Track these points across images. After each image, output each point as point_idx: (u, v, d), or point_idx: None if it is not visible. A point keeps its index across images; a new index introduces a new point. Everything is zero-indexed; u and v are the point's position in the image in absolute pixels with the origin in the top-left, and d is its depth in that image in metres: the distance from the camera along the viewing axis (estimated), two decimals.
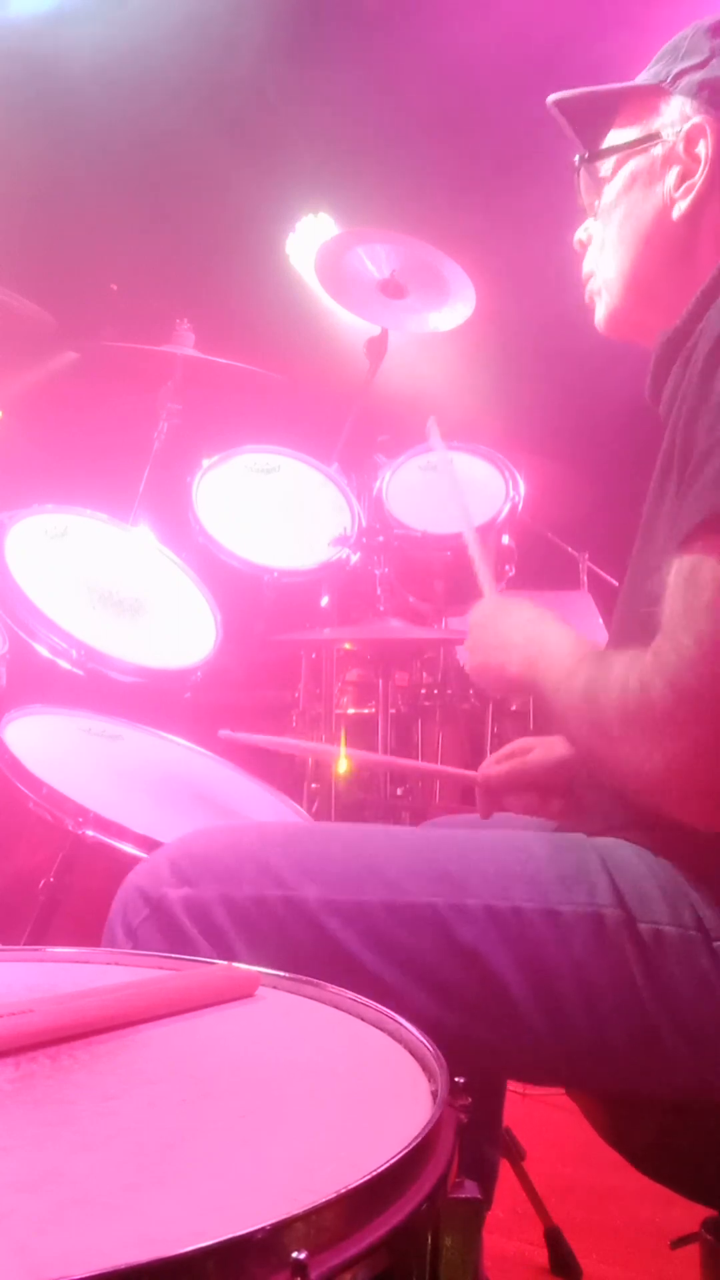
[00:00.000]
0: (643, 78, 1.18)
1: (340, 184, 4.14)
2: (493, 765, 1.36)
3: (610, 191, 1.19)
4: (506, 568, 2.88)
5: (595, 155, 1.20)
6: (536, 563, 3.27)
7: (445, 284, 3.01)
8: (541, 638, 1.11)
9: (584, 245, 1.26)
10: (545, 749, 1.34)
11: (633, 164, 1.17)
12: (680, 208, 1.12)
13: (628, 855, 1.00)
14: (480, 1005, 0.95)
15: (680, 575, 0.91)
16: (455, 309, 3.01)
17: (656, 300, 1.16)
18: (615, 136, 1.20)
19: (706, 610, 0.88)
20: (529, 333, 3.77)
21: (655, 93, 1.16)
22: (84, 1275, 0.41)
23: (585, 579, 3.66)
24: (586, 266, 1.25)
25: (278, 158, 4.00)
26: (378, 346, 3.12)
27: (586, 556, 3.69)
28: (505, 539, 2.85)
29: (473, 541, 1.50)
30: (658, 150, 1.14)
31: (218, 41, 3.78)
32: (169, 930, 0.98)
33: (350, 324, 3.37)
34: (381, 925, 0.96)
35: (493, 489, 2.86)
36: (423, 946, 0.96)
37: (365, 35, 3.87)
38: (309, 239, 4.17)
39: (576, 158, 1.22)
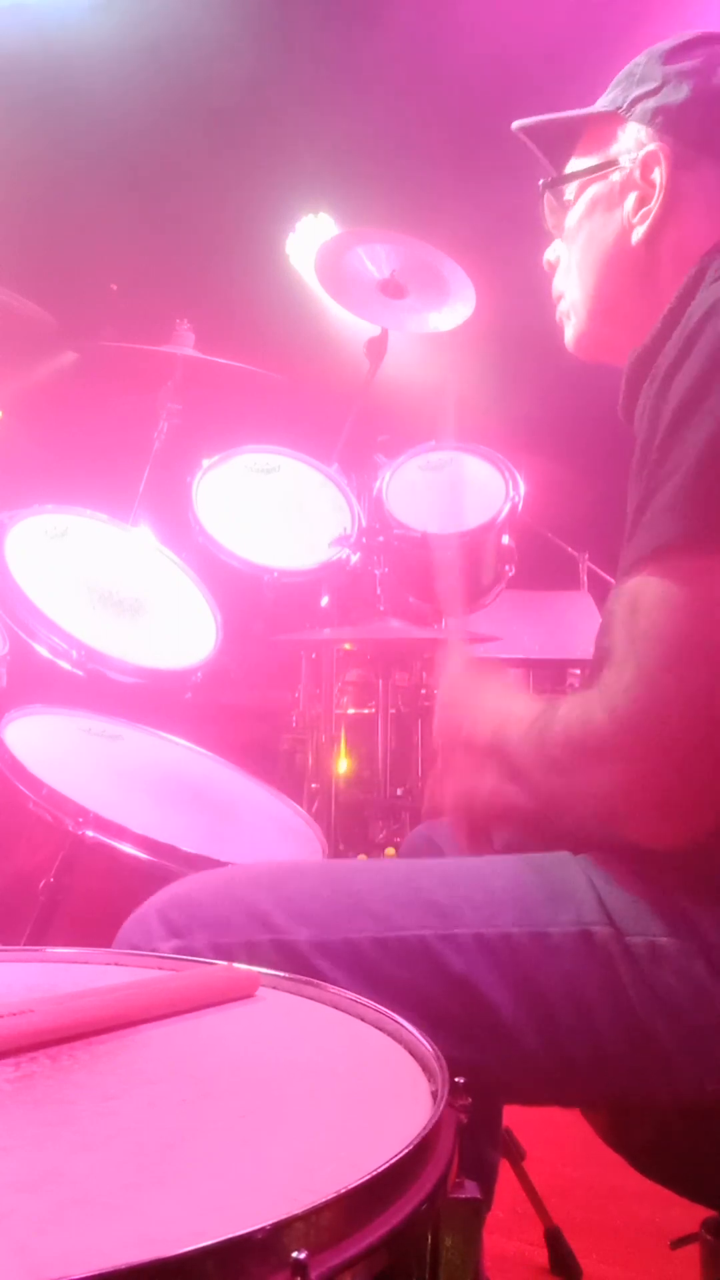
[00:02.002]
0: (601, 103, 1.20)
1: (340, 184, 4.14)
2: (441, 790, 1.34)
3: (573, 216, 1.21)
4: (506, 568, 2.88)
5: (557, 180, 1.23)
6: (536, 563, 3.27)
7: (445, 284, 3.01)
8: (506, 708, 1.11)
9: (553, 267, 1.28)
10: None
11: (593, 189, 1.19)
12: (639, 233, 1.14)
13: (613, 869, 1.00)
14: (475, 1033, 0.95)
15: (622, 605, 0.92)
16: (455, 309, 3.01)
17: (622, 321, 1.18)
18: (577, 162, 1.22)
19: (645, 637, 0.89)
20: (529, 332, 3.76)
21: (613, 119, 1.18)
22: (84, 1275, 0.41)
23: (585, 579, 3.66)
24: (556, 288, 1.27)
25: (278, 158, 4.00)
26: (378, 346, 3.12)
27: (586, 556, 3.69)
28: (505, 539, 2.85)
29: (446, 562, 1.50)
30: (616, 176, 1.17)
31: (218, 42, 3.78)
32: None
33: (350, 324, 3.37)
34: (372, 961, 0.96)
35: (493, 489, 2.86)
36: (414, 979, 0.96)
37: (366, 35, 3.87)
38: (309, 239, 4.17)
39: (540, 182, 1.24)
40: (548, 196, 1.24)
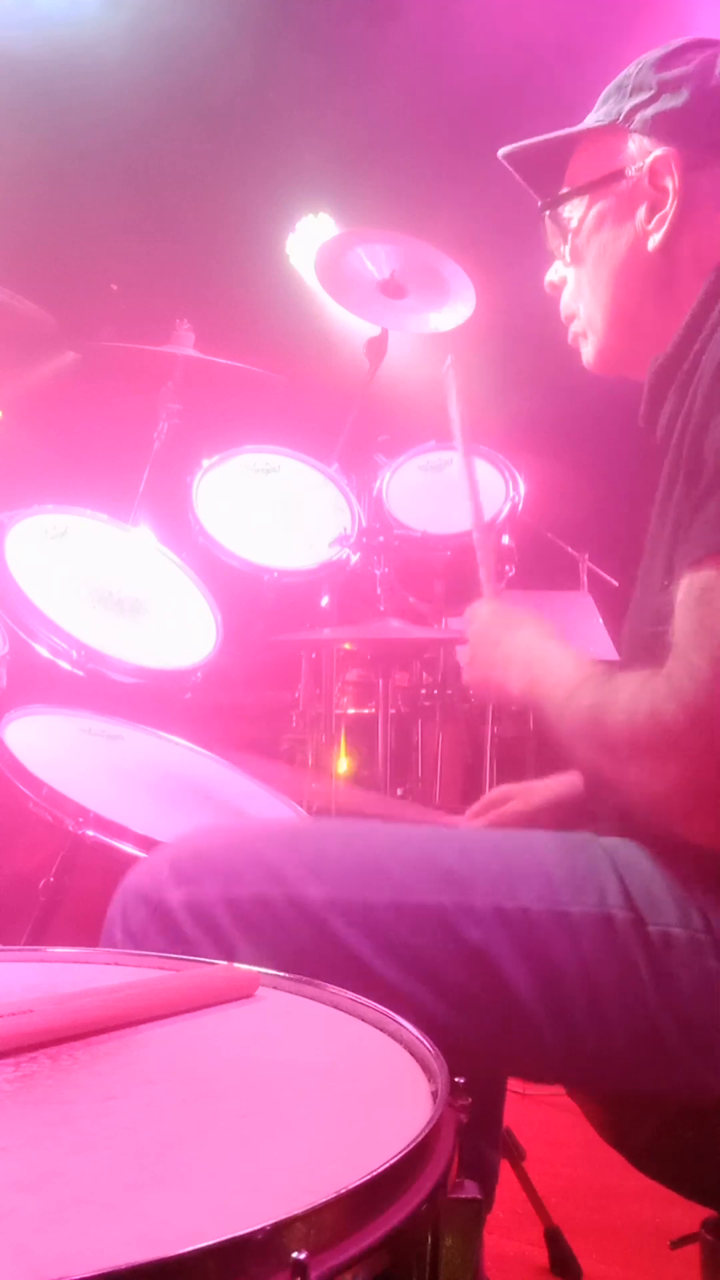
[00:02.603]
0: (592, 119, 1.20)
1: (340, 184, 4.14)
2: (474, 816, 1.37)
3: (581, 235, 1.20)
4: (507, 568, 2.88)
5: (559, 199, 1.22)
6: (536, 563, 3.27)
7: (445, 284, 3.01)
8: (544, 657, 1.11)
9: (556, 288, 1.27)
10: (524, 798, 1.34)
11: (600, 204, 1.18)
12: (655, 240, 1.14)
13: (637, 856, 1.00)
14: (486, 1005, 0.95)
15: (692, 595, 0.91)
16: (455, 309, 3.01)
17: (642, 332, 1.17)
18: (575, 179, 1.21)
19: (717, 631, 0.88)
20: (529, 333, 3.76)
21: (611, 132, 1.17)
22: (84, 1275, 0.41)
23: (585, 579, 3.65)
24: (565, 309, 1.26)
25: (278, 158, 4.00)
26: (378, 346, 3.11)
27: (586, 556, 3.68)
28: (505, 539, 2.85)
29: (480, 534, 1.51)
30: (623, 188, 1.16)
31: (218, 41, 3.78)
32: (170, 932, 0.97)
33: (350, 324, 3.37)
34: (387, 925, 0.96)
35: (493, 489, 2.86)
36: (429, 946, 0.96)
37: (366, 35, 3.87)
38: (309, 239, 4.17)
39: (540, 203, 1.24)
40: (548, 219, 1.23)
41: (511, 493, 2.86)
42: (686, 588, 0.92)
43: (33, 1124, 0.58)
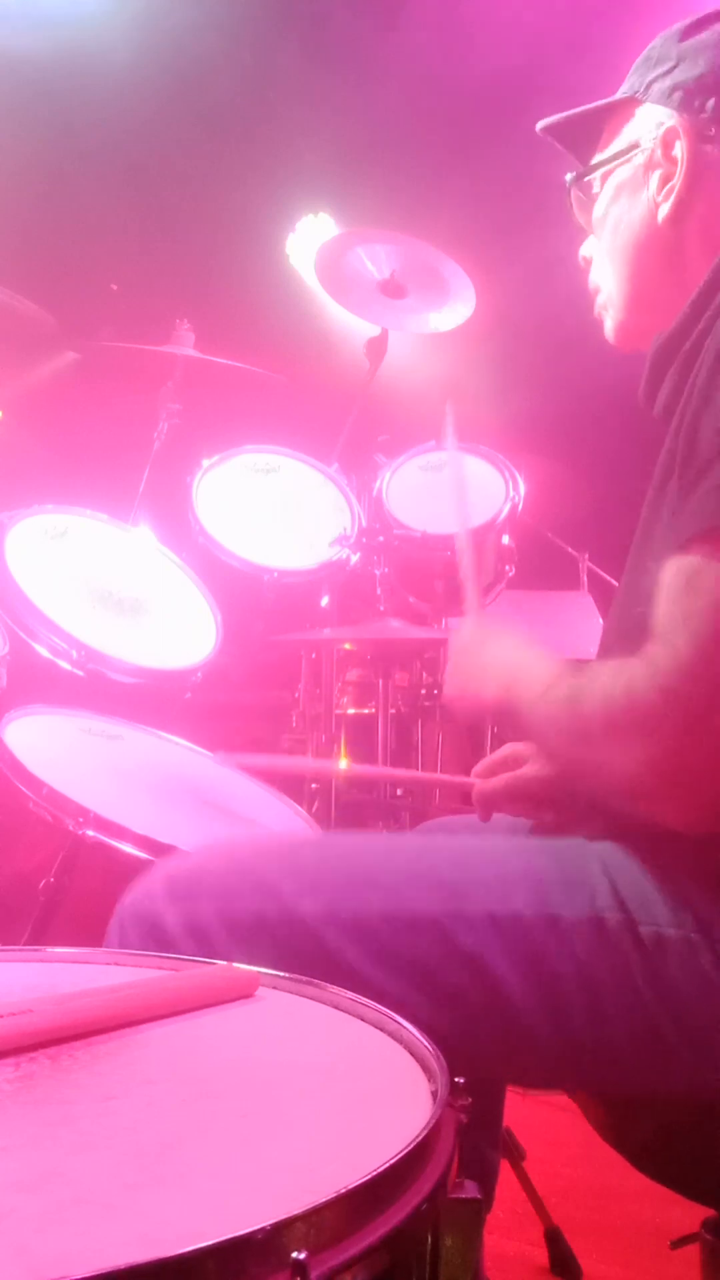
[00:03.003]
0: (620, 92, 1.20)
1: (340, 184, 4.14)
2: (486, 774, 1.35)
3: (600, 206, 1.20)
4: (506, 568, 2.88)
5: (581, 174, 1.22)
6: (536, 563, 3.27)
7: (445, 284, 3.01)
8: (519, 663, 1.10)
9: (588, 262, 1.27)
10: (539, 761, 1.33)
11: (617, 175, 1.18)
12: (664, 210, 1.13)
13: (628, 858, 1.00)
14: (483, 1011, 0.95)
15: (678, 578, 0.91)
16: (455, 309, 3.01)
17: (655, 306, 1.16)
18: (601, 152, 1.21)
19: (704, 614, 0.88)
20: (529, 333, 3.77)
21: (631, 104, 1.17)
22: (84, 1275, 0.41)
23: (585, 579, 3.65)
24: (592, 282, 1.26)
25: (278, 158, 4.00)
26: (378, 346, 3.11)
27: (586, 556, 3.68)
28: (505, 539, 2.85)
29: (465, 547, 1.50)
30: (639, 159, 1.16)
31: (218, 41, 3.78)
32: (167, 951, 0.98)
33: (350, 324, 3.37)
34: (381, 935, 0.96)
35: (493, 489, 2.86)
36: (424, 955, 0.96)
37: (366, 36, 3.87)
38: (309, 239, 4.16)
39: (567, 177, 1.23)
40: (575, 192, 1.23)
41: (511, 493, 2.85)
42: (672, 571, 0.91)
43: (33, 1124, 0.58)
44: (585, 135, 1.23)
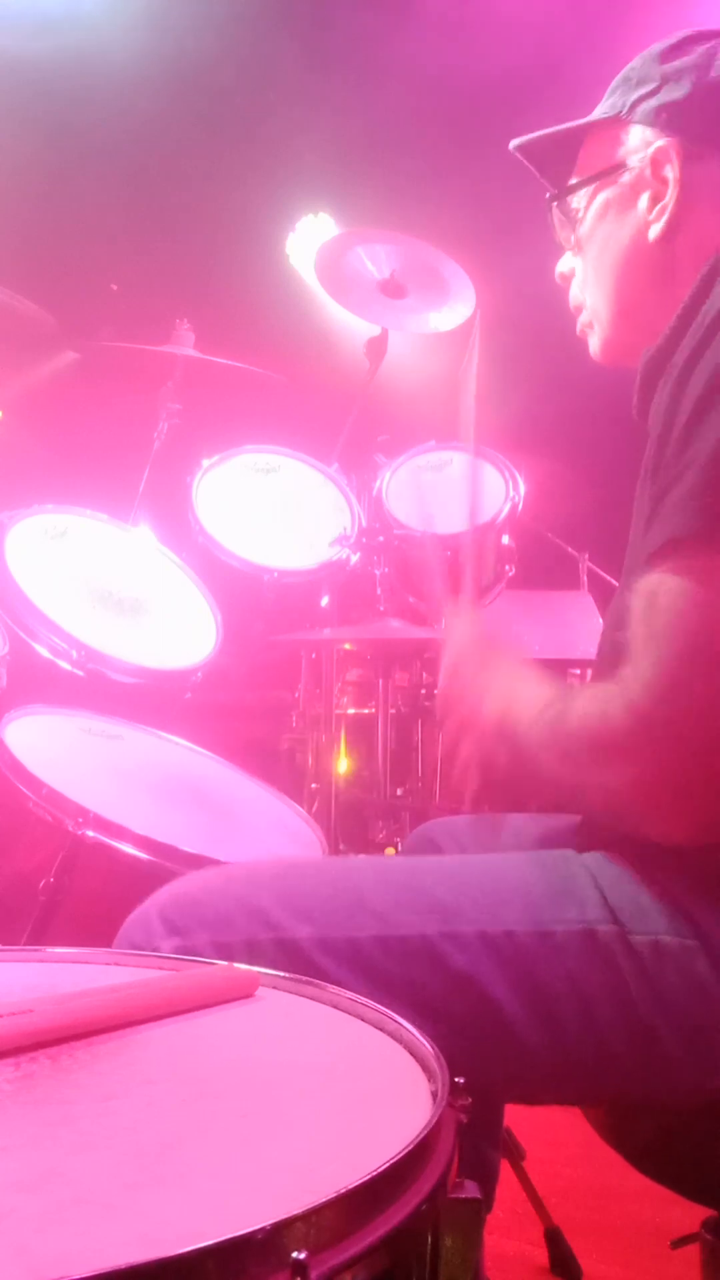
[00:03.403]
0: (600, 111, 1.21)
1: (340, 184, 4.14)
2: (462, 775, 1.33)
3: (586, 225, 1.21)
4: (506, 568, 2.88)
5: (565, 191, 1.23)
6: (536, 563, 3.27)
7: (445, 284, 3.01)
8: (518, 682, 1.09)
9: (566, 279, 1.28)
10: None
11: (603, 195, 1.19)
12: (655, 230, 1.14)
13: (617, 868, 1.00)
14: (478, 1031, 0.95)
15: (641, 599, 0.92)
16: (455, 309, 3.01)
17: (644, 322, 1.17)
18: (583, 171, 1.22)
19: (663, 634, 0.89)
20: (529, 333, 3.77)
21: (615, 124, 1.18)
22: (84, 1275, 0.41)
23: (585, 579, 3.65)
24: (574, 300, 1.27)
25: (278, 158, 4.00)
26: (378, 346, 3.12)
27: (586, 556, 3.68)
28: (505, 539, 2.85)
29: (474, 535, 1.49)
30: (626, 178, 1.17)
31: (218, 41, 3.78)
32: None
33: (350, 324, 3.37)
34: (374, 959, 0.96)
35: (493, 489, 2.86)
36: (417, 977, 0.96)
37: (366, 36, 3.86)
38: (309, 239, 4.16)
39: (547, 195, 1.25)
40: (556, 210, 1.24)
41: (511, 493, 2.86)
42: (638, 593, 0.93)
43: (33, 1124, 0.58)
44: (559, 154, 1.25)
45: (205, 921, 1.00)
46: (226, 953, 0.97)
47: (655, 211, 1.14)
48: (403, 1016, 0.93)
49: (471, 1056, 0.94)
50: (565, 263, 1.27)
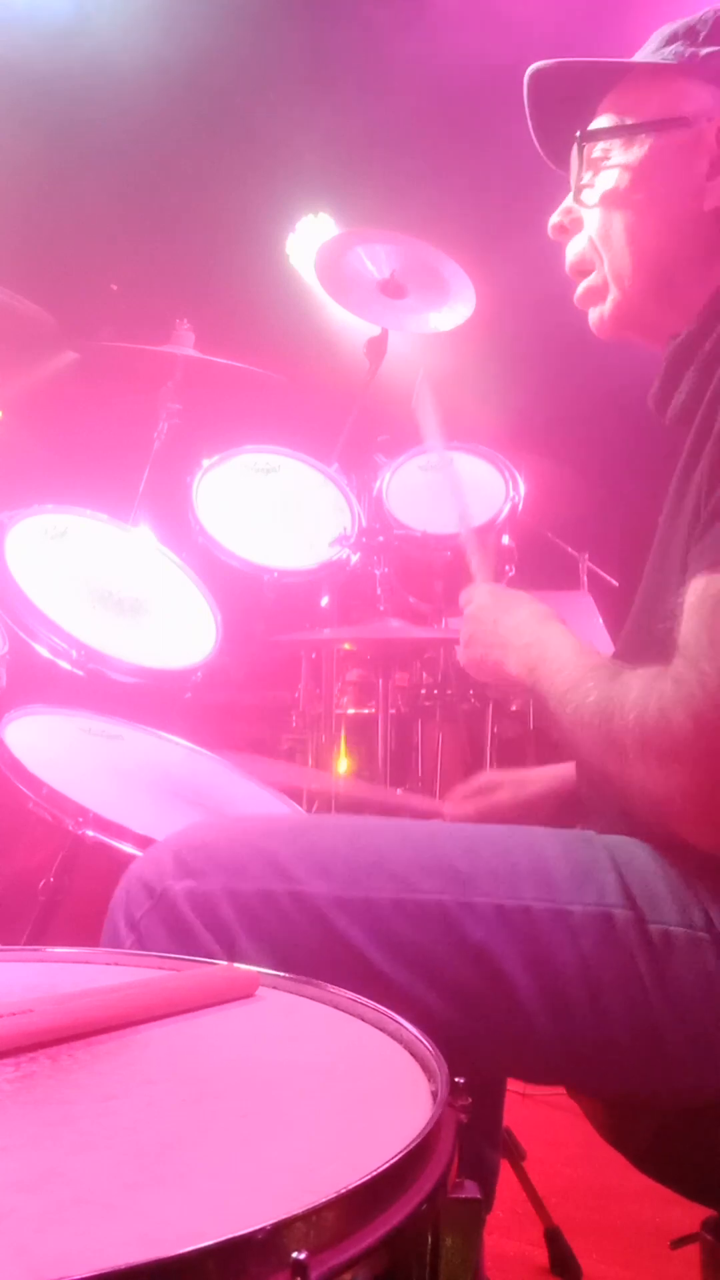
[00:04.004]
0: (652, 55, 1.11)
1: (340, 184, 4.14)
2: (461, 802, 1.35)
3: (617, 175, 1.11)
4: (506, 568, 2.88)
5: (606, 131, 1.11)
6: (536, 563, 3.27)
7: (445, 284, 3.01)
8: (543, 641, 1.09)
9: (565, 231, 1.17)
10: (514, 787, 1.32)
11: (655, 147, 1.09)
12: (714, 199, 1.07)
13: (637, 854, 0.99)
14: (487, 1003, 0.95)
15: (707, 601, 0.90)
16: (455, 309, 3.01)
17: (673, 296, 1.10)
18: (626, 113, 1.11)
19: None
20: (529, 333, 3.77)
21: (680, 74, 1.09)
22: (84, 1275, 0.41)
23: (585, 579, 3.66)
24: (579, 255, 1.16)
25: (278, 158, 4.00)
26: (378, 346, 3.11)
27: (586, 556, 3.69)
28: (505, 539, 2.85)
29: (467, 526, 1.48)
30: (685, 136, 1.08)
31: (218, 41, 3.78)
32: (172, 923, 0.97)
33: (350, 324, 3.37)
34: (389, 922, 0.96)
35: (493, 489, 2.86)
36: (431, 944, 0.95)
37: (365, 35, 3.87)
38: (309, 239, 4.17)
39: (579, 133, 1.13)
40: (581, 151, 1.12)
41: (511, 493, 2.86)
42: (700, 590, 0.90)
43: (33, 1124, 0.58)
44: (584, 90, 1.13)
45: (221, 866, 0.98)
46: (240, 900, 0.96)
47: (715, 183, 1.06)
48: (411, 981, 0.93)
49: (476, 1027, 0.95)
50: (567, 213, 1.16)
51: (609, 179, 1.12)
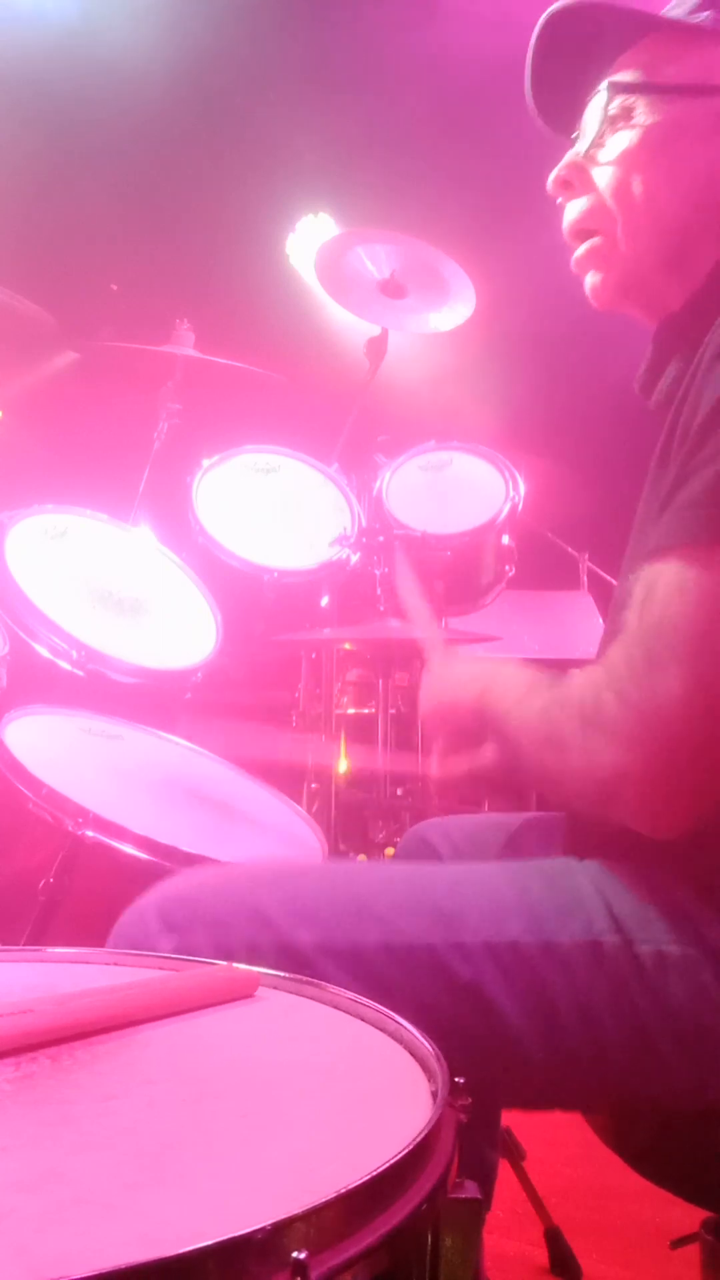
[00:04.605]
0: (685, 14, 1.07)
1: (340, 184, 4.14)
2: (446, 761, 1.34)
3: (646, 134, 1.06)
4: (506, 568, 2.88)
5: (637, 87, 1.05)
6: (536, 563, 3.27)
7: (445, 284, 3.01)
8: (492, 672, 1.09)
9: (570, 186, 1.11)
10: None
11: (686, 112, 1.05)
12: None
13: (621, 877, 0.99)
14: (481, 1041, 0.94)
15: (642, 587, 0.91)
16: (455, 309, 3.01)
17: (681, 267, 1.07)
18: (655, 73, 1.06)
19: (659, 625, 0.88)
20: (529, 333, 3.77)
21: (713, 40, 1.05)
22: (84, 1275, 0.41)
23: (585, 579, 3.66)
24: (585, 213, 1.11)
25: (278, 158, 4.00)
26: (378, 346, 3.12)
27: (586, 556, 3.69)
28: (505, 539, 2.85)
29: (410, 592, 1.46)
30: (713, 105, 1.05)
31: (218, 42, 3.78)
32: None
33: (350, 324, 3.37)
34: (378, 966, 0.95)
35: (493, 489, 2.87)
36: (421, 986, 0.95)
37: (365, 35, 3.87)
38: (309, 239, 4.16)
39: (608, 81, 1.07)
40: (603, 104, 1.07)
41: (511, 493, 2.86)
42: (640, 580, 0.91)
43: (33, 1124, 0.58)
44: (605, 38, 1.08)
45: (204, 921, 0.98)
46: (226, 953, 0.95)
47: None
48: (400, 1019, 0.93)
49: (475, 1065, 0.94)
50: (572, 169, 1.10)
51: (631, 136, 1.06)
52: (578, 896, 0.98)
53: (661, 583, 0.89)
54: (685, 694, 0.86)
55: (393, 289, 3.01)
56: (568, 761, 0.94)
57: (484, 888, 1.02)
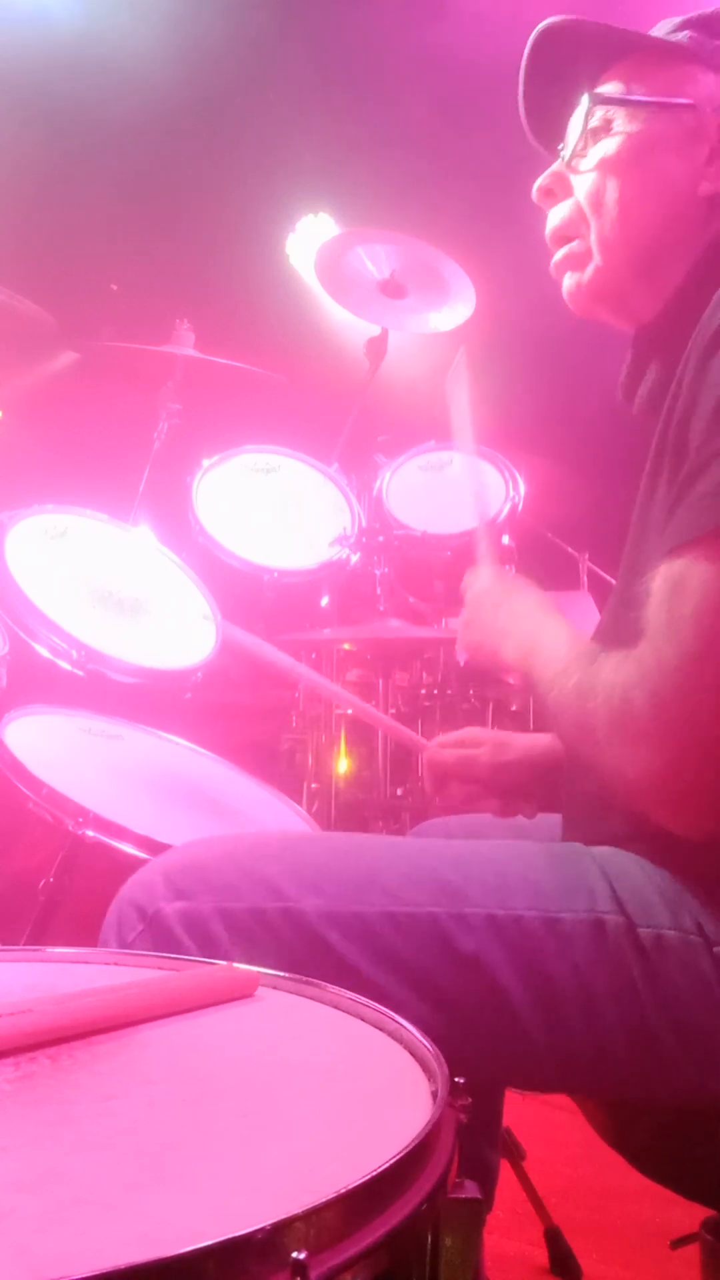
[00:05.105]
0: (667, 33, 1.13)
1: (340, 184, 4.14)
2: (443, 747, 1.37)
3: (623, 144, 1.11)
4: (506, 568, 2.88)
5: (618, 99, 1.11)
6: (536, 563, 3.27)
7: (445, 284, 3.01)
8: (538, 630, 1.11)
9: (552, 194, 1.16)
10: (495, 749, 1.33)
11: (655, 123, 1.10)
12: (707, 187, 1.08)
13: (625, 863, 1.00)
14: (482, 1014, 0.95)
15: (666, 582, 0.91)
16: (455, 309, 3.01)
17: (652, 275, 1.11)
18: (631, 83, 1.12)
19: (690, 620, 0.88)
20: (529, 333, 3.77)
21: (686, 57, 1.11)
22: (84, 1275, 0.41)
23: (585, 579, 3.65)
24: (564, 220, 1.15)
25: (278, 158, 4.00)
26: (378, 346, 3.12)
27: (586, 556, 3.68)
28: (505, 539, 2.85)
29: (483, 517, 1.49)
30: (689, 120, 1.09)
31: (218, 42, 3.78)
32: (165, 945, 0.97)
33: (350, 324, 3.37)
34: (382, 936, 0.96)
35: (493, 489, 2.87)
36: (424, 957, 0.95)
37: (366, 35, 3.87)
38: (309, 239, 4.17)
39: (588, 94, 1.13)
40: (585, 115, 1.12)
41: (511, 493, 2.86)
42: (662, 575, 0.92)
43: (33, 1124, 0.58)
44: (593, 57, 1.13)
45: (212, 886, 0.98)
46: (231, 919, 0.96)
47: (713, 170, 1.08)
48: (407, 994, 0.93)
49: (472, 1039, 0.95)
50: (558, 179, 1.15)
51: (609, 146, 1.12)
52: (583, 875, 0.99)
53: (690, 578, 0.89)
54: (717, 690, 0.87)
55: (393, 289, 3.01)
56: (601, 753, 0.96)
57: (489, 864, 1.02)
